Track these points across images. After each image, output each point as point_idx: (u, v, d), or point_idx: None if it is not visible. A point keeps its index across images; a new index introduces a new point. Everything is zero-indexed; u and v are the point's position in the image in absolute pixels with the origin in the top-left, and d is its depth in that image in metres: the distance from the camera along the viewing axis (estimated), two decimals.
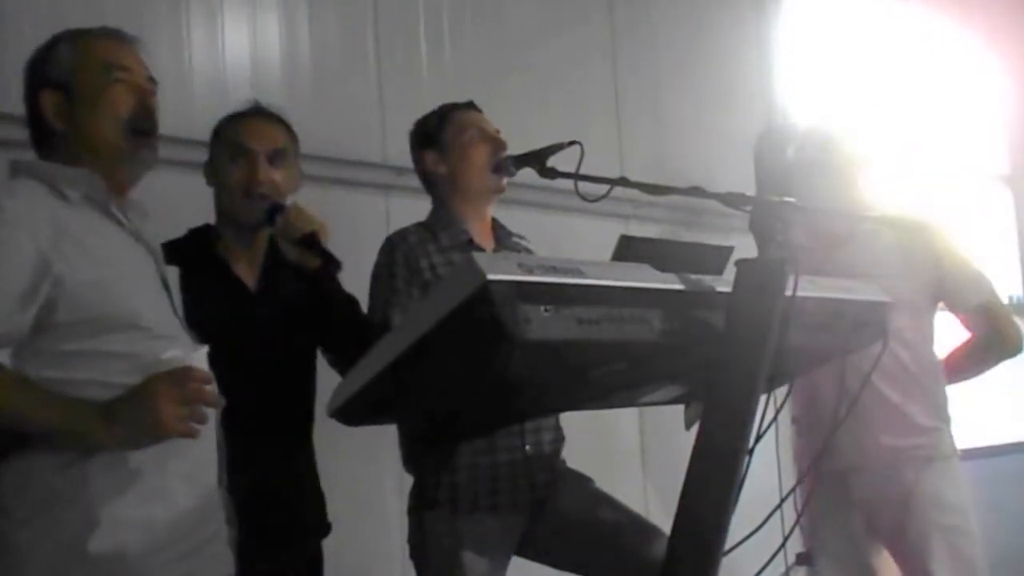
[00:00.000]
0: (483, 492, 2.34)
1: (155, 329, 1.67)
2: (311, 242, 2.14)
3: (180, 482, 1.66)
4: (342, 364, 2.19)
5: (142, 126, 1.76)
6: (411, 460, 2.43)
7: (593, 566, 2.38)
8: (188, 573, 1.65)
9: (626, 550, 2.33)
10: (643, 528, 2.37)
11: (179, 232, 2.19)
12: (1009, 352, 2.83)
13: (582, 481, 2.48)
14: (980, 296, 2.74)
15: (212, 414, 1.74)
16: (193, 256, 1.91)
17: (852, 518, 2.64)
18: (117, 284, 1.66)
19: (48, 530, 1.56)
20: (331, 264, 2.15)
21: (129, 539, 1.58)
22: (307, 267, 2.15)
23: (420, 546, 2.38)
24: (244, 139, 2.19)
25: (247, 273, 2.20)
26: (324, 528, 2.30)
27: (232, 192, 2.17)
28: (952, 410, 2.86)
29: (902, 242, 2.62)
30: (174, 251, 1.90)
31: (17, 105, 1.82)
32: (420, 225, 2.48)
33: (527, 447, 2.38)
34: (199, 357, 1.67)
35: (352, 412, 1.44)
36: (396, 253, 2.38)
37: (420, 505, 2.38)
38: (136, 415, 1.54)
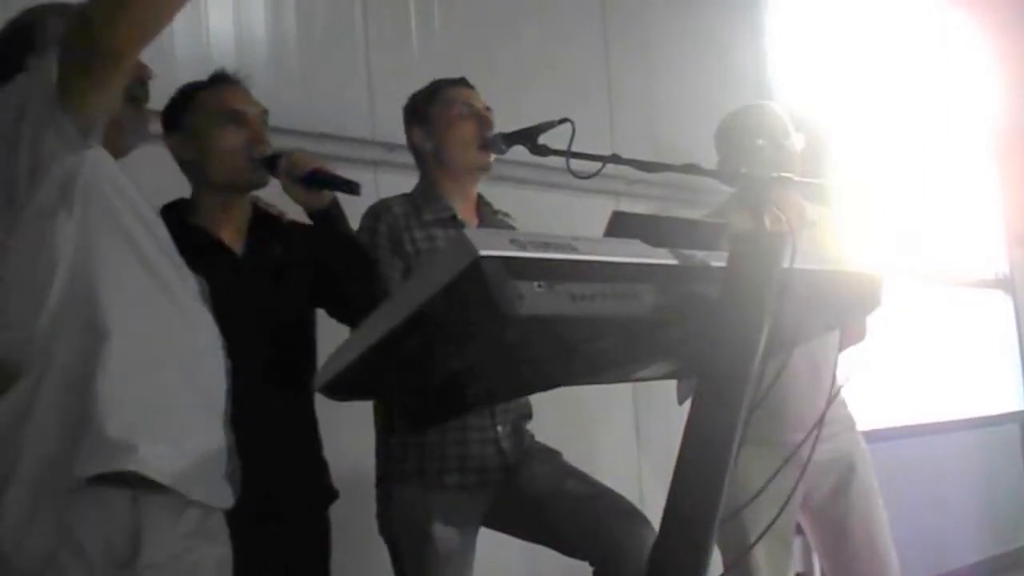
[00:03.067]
0: (452, 470, 2.37)
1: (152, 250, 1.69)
2: (321, 176, 2.12)
3: (188, 398, 1.66)
4: (347, 314, 2.18)
5: (135, 92, 1.76)
6: (383, 435, 2.45)
7: (559, 538, 2.42)
8: (195, 488, 1.63)
9: (595, 524, 2.36)
10: (609, 501, 2.41)
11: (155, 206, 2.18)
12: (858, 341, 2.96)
13: (550, 455, 2.51)
14: None
15: (217, 338, 1.74)
16: (175, 228, 1.90)
17: (788, 487, 2.68)
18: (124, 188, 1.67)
19: (51, 422, 1.55)
20: (349, 187, 2.13)
21: (139, 437, 1.56)
22: (318, 206, 2.14)
23: (389, 520, 2.41)
24: (237, 104, 2.19)
25: (232, 240, 2.20)
26: (329, 494, 2.29)
27: (233, 156, 2.15)
28: (941, 381, 3.04)
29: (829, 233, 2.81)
30: None
31: None
32: (405, 197, 2.49)
33: (498, 427, 2.41)
34: None
35: (340, 388, 1.43)
36: (380, 224, 2.39)
37: (388, 478, 2.40)
38: None
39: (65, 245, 1.57)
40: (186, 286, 1.74)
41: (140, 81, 1.77)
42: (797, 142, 2.85)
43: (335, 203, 2.18)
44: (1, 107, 1.60)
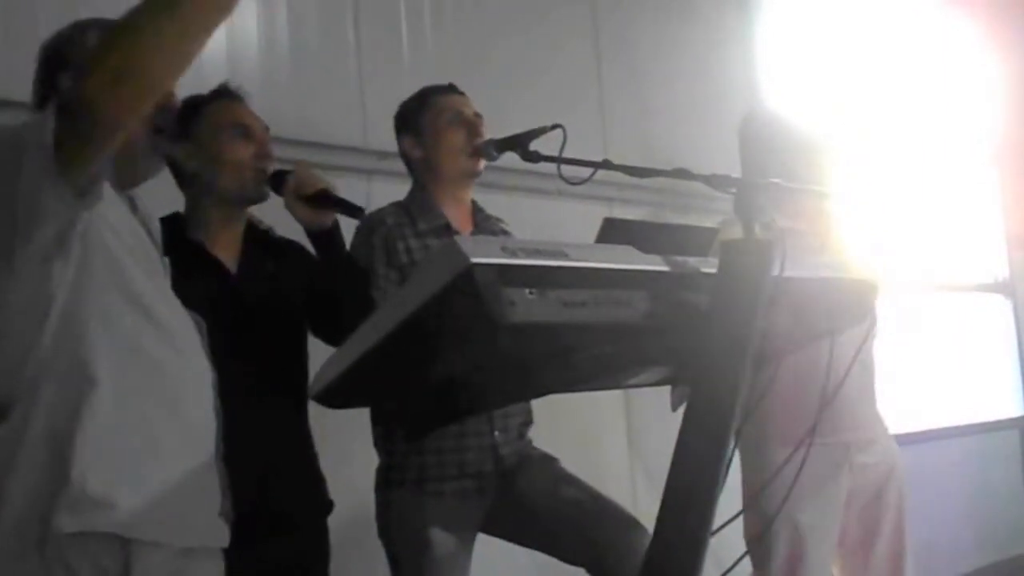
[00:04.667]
0: (450, 475, 2.38)
1: (149, 288, 1.68)
2: (326, 197, 2.12)
3: (176, 444, 1.64)
4: (337, 335, 2.17)
5: (162, 123, 1.75)
6: (381, 441, 2.45)
7: (555, 544, 2.43)
8: (180, 537, 1.62)
9: (590, 530, 2.37)
10: (605, 508, 2.41)
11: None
12: None
13: (547, 462, 2.52)
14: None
15: (210, 380, 1.73)
16: (170, 243, 1.90)
17: (840, 490, 2.68)
18: (121, 229, 1.66)
19: (33, 474, 1.54)
20: (353, 211, 2.13)
21: (119, 492, 1.55)
22: (321, 226, 2.14)
23: (387, 525, 2.42)
24: (242, 118, 2.19)
25: (226, 255, 2.19)
26: (325, 506, 2.29)
27: (239, 170, 2.15)
28: (940, 387, 3.04)
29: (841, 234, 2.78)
30: None
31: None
32: (398, 206, 2.49)
33: (496, 432, 2.41)
34: None
35: (335, 395, 1.43)
36: (374, 236, 2.39)
37: (387, 484, 2.41)
38: None
39: (60, 290, 1.56)
40: (183, 326, 1.73)
41: (165, 109, 1.74)
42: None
43: (336, 224, 2.18)
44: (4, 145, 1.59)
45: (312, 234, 2.17)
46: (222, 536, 1.72)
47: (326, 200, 2.13)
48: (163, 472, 1.62)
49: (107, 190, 1.65)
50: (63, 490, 1.52)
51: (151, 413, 1.62)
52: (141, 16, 1.47)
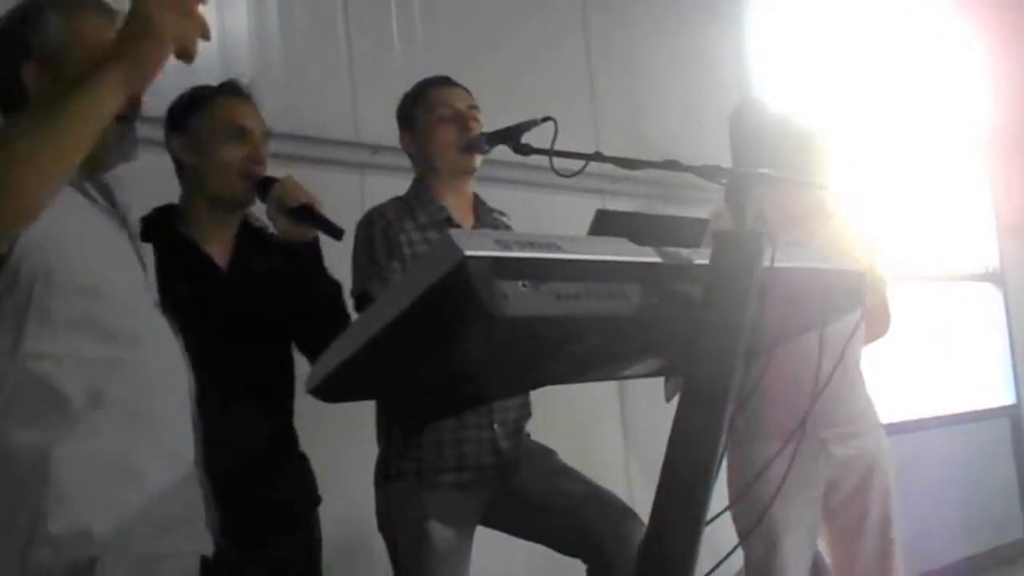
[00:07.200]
0: (449, 468, 2.39)
1: (117, 300, 1.63)
2: (308, 213, 2.10)
3: (153, 461, 1.63)
4: (311, 348, 2.17)
5: (126, 111, 1.68)
6: (383, 433, 2.46)
7: (552, 536, 2.44)
8: (161, 552, 1.62)
9: (586, 521, 2.38)
10: (604, 499, 2.42)
11: (145, 211, 2.16)
12: (883, 335, 2.99)
13: (546, 455, 2.53)
14: (884, 289, 2.91)
15: (188, 390, 1.72)
16: (160, 235, 1.89)
17: (819, 486, 2.70)
18: (73, 246, 1.61)
19: (7, 512, 1.53)
20: (333, 231, 2.11)
21: (94, 518, 1.55)
22: (299, 240, 2.12)
23: (387, 517, 2.43)
24: (242, 119, 2.17)
25: (218, 252, 2.18)
26: (313, 501, 2.30)
27: (227, 171, 2.14)
28: (930, 376, 3.04)
29: (847, 227, 2.81)
30: (141, 229, 1.87)
31: None
32: (399, 200, 2.49)
33: (495, 425, 2.42)
34: None
35: (331, 389, 1.43)
36: (374, 228, 2.39)
37: (386, 477, 2.41)
38: (133, 29, 1.45)
39: (24, 327, 1.54)
40: (162, 338, 1.70)
41: (133, 101, 1.68)
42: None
43: (316, 241, 2.15)
44: None
45: (291, 248, 2.14)
46: (206, 544, 1.71)
47: (307, 216, 2.10)
48: (140, 493, 1.60)
49: (69, 217, 1.58)
50: (40, 526, 1.51)
51: (127, 439, 1.60)
52: (14, 135, 1.42)
